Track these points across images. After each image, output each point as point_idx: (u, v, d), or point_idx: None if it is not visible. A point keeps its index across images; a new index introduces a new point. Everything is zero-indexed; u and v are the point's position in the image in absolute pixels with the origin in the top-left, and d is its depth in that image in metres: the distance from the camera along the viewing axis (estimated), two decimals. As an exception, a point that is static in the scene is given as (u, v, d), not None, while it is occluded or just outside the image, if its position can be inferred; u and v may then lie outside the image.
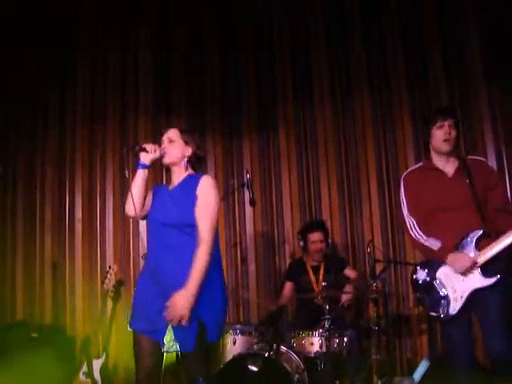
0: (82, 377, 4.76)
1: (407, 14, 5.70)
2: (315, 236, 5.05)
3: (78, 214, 6.15)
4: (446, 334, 3.59)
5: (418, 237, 3.57)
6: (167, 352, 3.12)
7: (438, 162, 3.65)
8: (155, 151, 3.28)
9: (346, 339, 4.49)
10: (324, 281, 4.89)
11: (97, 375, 4.76)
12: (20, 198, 6.34)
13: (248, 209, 5.70)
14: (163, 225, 3.23)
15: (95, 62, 6.40)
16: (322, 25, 5.94)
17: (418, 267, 3.61)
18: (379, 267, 4.90)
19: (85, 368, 4.79)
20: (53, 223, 6.21)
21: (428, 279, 3.52)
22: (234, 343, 4.53)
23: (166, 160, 3.35)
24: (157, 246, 3.26)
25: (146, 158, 3.28)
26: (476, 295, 3.37)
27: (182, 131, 3.40)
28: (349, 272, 5.13)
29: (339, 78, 5.83)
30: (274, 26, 6.05)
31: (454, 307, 3.40)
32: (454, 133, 3.59)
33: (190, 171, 3.38)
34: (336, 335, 4.47)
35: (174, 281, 3.06)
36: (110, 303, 5.18)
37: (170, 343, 3.09)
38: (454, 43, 5.53)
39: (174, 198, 3.28)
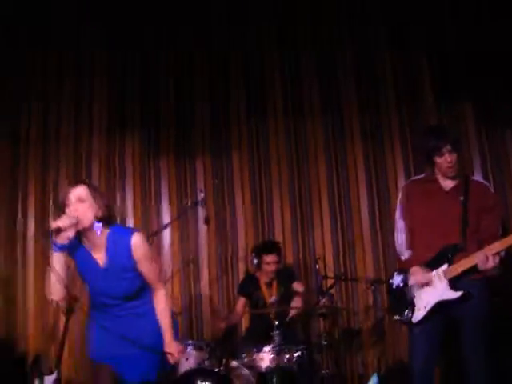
0: (32, 395, 4.71)
1: (358, 43, 5.91)
2: (270, 258, 5.10)
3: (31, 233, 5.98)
4: (410, 338, 3.67)
5: (399, 244, 3.71)
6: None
7: (440, 175, 3.63)
8: (71, 224, 2.88)
9: (296, 354, 4.52)
10: (276, 296, 4.96)
11: (49, 392, 4.72)
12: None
13: (202, 227, 5.73)
14: (108, 297, 3.16)
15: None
16: (276, 48, 6.05)
17: (396, 272, 3.70)
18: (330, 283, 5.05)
19: (36, 385, 4.75)
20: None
21: (401, 285, 3.61)
22: (187, 359, 4.48)
23: (81, 226, 2.96)
24: (104, 311, 3.21)
25: (62, 237, 2.87)
26: (446, 307, 3.43)
27: (89, 187, 3.07)
28: (296, 285, 5.15)
29: (292, 100, 5.96)
30: (229, 50, 6.11)
31: (417, 316, 3.49)
32: (454, 157, 3.53)
33: (106, 229, 3.07)
34: (286, 350, 4.50)
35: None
36: (63, 319, 5.13)
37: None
38: (405, 71, 5.77)
39: (111, 274, 3.09)
